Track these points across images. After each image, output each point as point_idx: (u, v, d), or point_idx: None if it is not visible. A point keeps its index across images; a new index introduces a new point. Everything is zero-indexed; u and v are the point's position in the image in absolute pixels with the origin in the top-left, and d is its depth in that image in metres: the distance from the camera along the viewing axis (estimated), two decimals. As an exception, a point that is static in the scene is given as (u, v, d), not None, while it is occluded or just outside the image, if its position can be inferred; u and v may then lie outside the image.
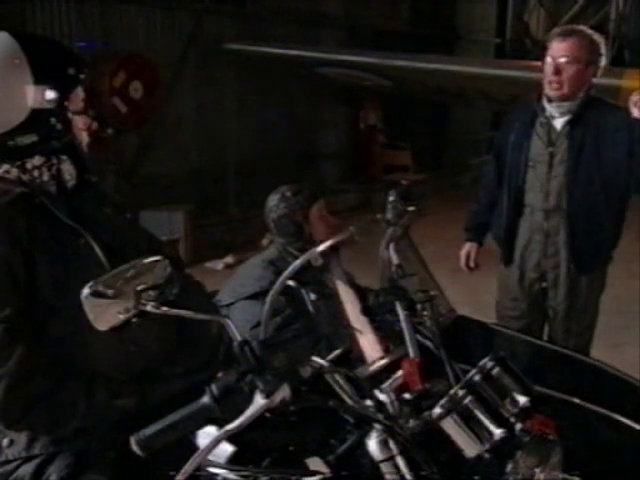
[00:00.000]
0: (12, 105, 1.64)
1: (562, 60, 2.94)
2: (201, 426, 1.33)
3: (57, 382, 1.57)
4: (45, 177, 1.67)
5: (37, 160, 1.67)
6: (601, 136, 2.99)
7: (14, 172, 1.66)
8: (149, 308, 1.31)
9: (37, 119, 1.65)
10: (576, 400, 1.88)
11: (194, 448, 1.33)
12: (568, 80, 2.95)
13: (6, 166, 1.67)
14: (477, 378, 1.43)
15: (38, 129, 1.66)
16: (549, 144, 3.08)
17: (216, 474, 1.38)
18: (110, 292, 1.29)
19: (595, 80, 3.07)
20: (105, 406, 1.60)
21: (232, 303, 2.42)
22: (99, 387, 1.60)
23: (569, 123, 3.03)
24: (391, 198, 1.96)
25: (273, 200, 2.56)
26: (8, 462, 1.61)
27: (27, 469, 1.60)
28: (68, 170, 1.70)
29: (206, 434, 1.38)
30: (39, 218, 1.61)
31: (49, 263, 1.58)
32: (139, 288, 1.31)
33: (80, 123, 1.71)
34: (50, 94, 1.65)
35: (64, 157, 1.70)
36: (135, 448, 1.25)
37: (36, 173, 1.67)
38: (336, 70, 9.27)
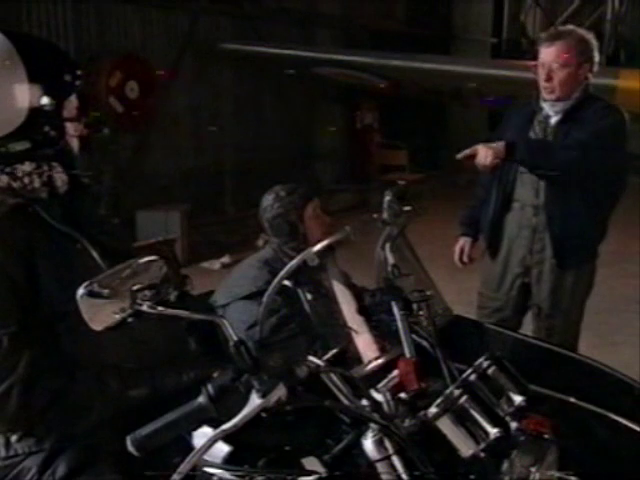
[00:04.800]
0: (5, 109, 1.61)
1: (552, 65, 2.96)
2: (197, 426, 1.33)
3: (69, 380, 1.58)
4: (36, 184, 1.65)
5: (27, 166, 1.64)
6: (593, 135, 3.00)
7: (4, 179, 1.63)
8: (145, 308, 1.31)
9: (31, 126, 1.62)
10: (572, 399, 1.88)
11: (190, 448, 1.33)
12: (560, 83, 2.97)
13: None
14: (473, 378, 1.44)
15: (31, 136, 1.64)
16: None
17: (212, 474, 1.38)
18: (106, 292, 1.29)
19: (592, 80, 3.08)
20: (119, 396, 1.60)
21: (227, 304, 2.42)
22: (110, 378, 1.60)
23: (563, 122, 3.05)
24: (387, 198, 1.96)
25: (267, 200, 2.55)
26: (17, 455, 1.62)
27: (34, 461, 1.61)
28: (60, 177, 1.68)
29: (202, 434, 1.38)
30: (35, 227, 1.60)
31: (52, 270, 1.58)
32: (135, 288, 1.30)
33: (72, 129, 1.71)
34: (45, 100, 1.62)
35: (55, 164, 1.67)
36: (131, 448, 1.25)
37: (27, 180, 1.64)
38: (332, 70, 9.28)
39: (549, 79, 2.98)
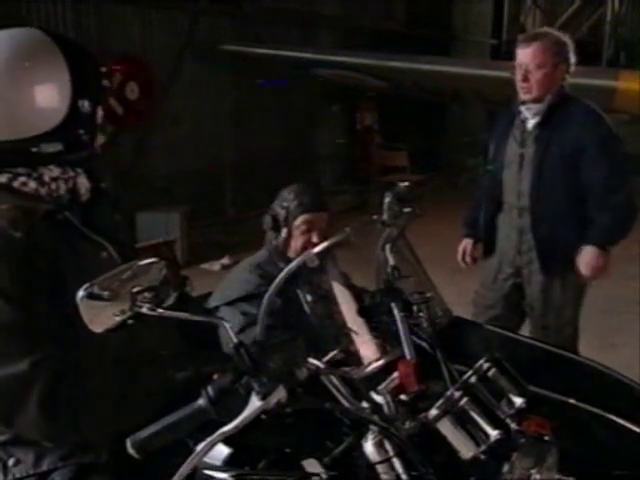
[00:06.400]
0: (45, 108, 1.55)
1: (529, 66, 3.01)
2: (197, 428, 1.33)
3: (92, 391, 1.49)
4: (62, 190, 1.60)
5: (54, 172, 1.59)
6: (567, 138, 3.01)
7: (32, 185, 1.57)
8: (145, 310, 1.30)
9: (66, 128, 1.57)
10: (572, 401, 1.88)
11: (190, 450, 1.33)
12: (536, 84, 3.02)
13: (23, 178, 1.57)
14: (473, 379, 1.44)
15: (65, 139, 1.58)
16: (521, 145, 3.16)
17: (212, 476, 1.38)
18: (106, 294, 1.28)
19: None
20: (168, 381, 1.54)
21: (218, 307, 2.41)
22: (145, 369, 1.55)
23: (538, 125, 3.09)
24: (387, 199, 1.95)
25: (280, 193, 2.50)
26: None
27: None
28: (84, 184, 1.64)
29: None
30: (62, 235, 1.55)
31: (80, 280, 1.47)
32: (135, 290, 1.30)
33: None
34: (85, 103, 1.58)
35: (79, 170, 1.64)
36: (131, 450, 1.25)
37: (54, 186, 1.59)
38: (332, 71, 9.28)
39: (525, 80, 3.03)
